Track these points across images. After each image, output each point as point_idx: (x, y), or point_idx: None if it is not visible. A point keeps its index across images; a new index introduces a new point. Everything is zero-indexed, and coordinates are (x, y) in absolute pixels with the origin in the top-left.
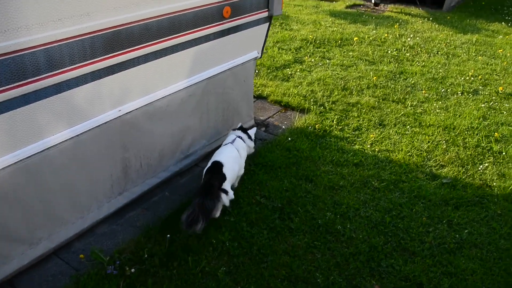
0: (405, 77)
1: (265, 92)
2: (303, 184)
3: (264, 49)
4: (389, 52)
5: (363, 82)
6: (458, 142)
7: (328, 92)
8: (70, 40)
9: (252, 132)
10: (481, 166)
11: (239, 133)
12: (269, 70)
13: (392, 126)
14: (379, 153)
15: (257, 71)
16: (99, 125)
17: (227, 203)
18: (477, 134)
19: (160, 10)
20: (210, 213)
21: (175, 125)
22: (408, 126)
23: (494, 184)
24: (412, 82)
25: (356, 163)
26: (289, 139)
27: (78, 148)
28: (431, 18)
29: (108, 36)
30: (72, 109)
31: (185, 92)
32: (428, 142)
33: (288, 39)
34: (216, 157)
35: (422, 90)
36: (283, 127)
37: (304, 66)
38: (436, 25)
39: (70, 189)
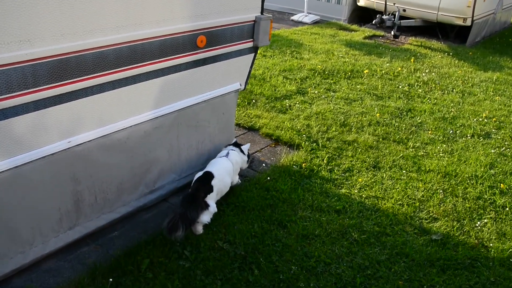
0: (412, 115)
1: (258, 124)
2: (274, 230)
3: (268, 78)
4: (400, 87)
5: (365, 119)
6: (458, 192)
7: (325, 127)
8: (7, 67)
9: (245, 147)
10: (479, 222)
11: (233, 147)
12: (268, 100)
13: (387, 169)
14: (367, 200)
15: (254, 101)
16: (43, 157)
17: (205, 219)
18: (480, 184)
19: (119, 38)
20: (192, 223)
21: (137, 158)
22: (404, 171)
23: (491, 244)
24: (419, 121)
25: (338, 210)
26: (269, 178)
27: (17, 180)
28: (451, 53)
29: (54, 64)
30: (10, 139)
31: (150, 124)
32: (424, 190)
33: (296, 68)
34: (209, 167)
35: (428, 130)
36: (269, 163)
37: (306, 98)
38: (456, 61)
39: (8, 222)
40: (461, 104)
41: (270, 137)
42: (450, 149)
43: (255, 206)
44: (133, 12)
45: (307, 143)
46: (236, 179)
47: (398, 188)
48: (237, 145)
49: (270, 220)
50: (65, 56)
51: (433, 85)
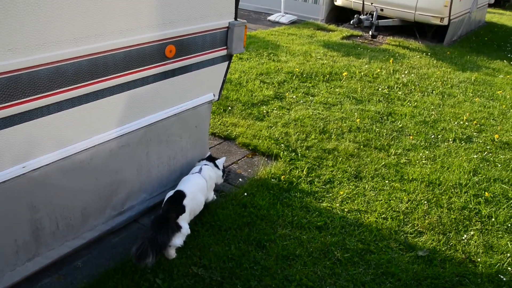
0: (393, 119)
1: (234, 133)
2: (253, 251)
3: (245, 82)
4: (379, 89)
5: (345, 124)
6: (442, 202)
7: (304, 135)
8: None
9: (220, 162)
10: (465, 235)
11: (206, 162)
12: (244, 107)
13: (369, 179)
14: (349, 214)
15: (230, 107)
16: None
17: (177, 242)
18: (465, 193)
19: (77, 51)
20: (163, 248)
21: (102, 180)
22: (387, 180)
23: (479, 259)
24: (400, 125)
25: (320, 226)
26: (246, 193)
27: None
28: (429, 53)
29: (2, 82)
30: None
31: (115, 142)
32: (408, 201)
33: (274, 71)
34: (180, 185)
35: (409, 135)
36: (246, 176)
37: (284, 103)
38: (434, 61)
39: None
40: (441, 106)
41: (247, 147)
42: (432, 155)
43: (232, 225)
44: (93, 22)
45: (285, 152)
46: (212, 196)
47: (381, 200)
48: (212, 159)
49: (248, 240)
50: (15, 73)
51: (413, 87)
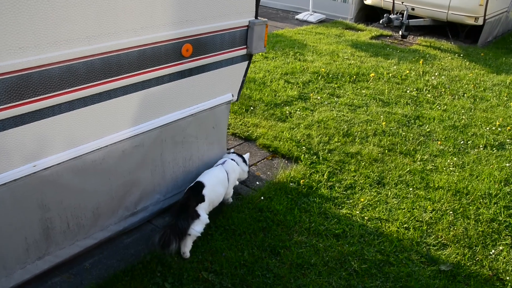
0: (420, 123)
1: (255, 134)
2: (266, 258)
3: (269, 82)
4: (408, 91)
5: (370, 128)
6: (469, 213)
7: (327, 137)
8: None
9: (246, 156)
10: (493, 250)
11: (233, 156)
12: (267, 107)
13: (393, 186)
14: (369, 222)
15: (252, 107)
16: (4, 183)
17: (197, 229)
18: (495, 204)
19: (89, 50)
20: (184, 233)
21: (115, 180)
22: (411, 188)
23: (508, 277)
24: (428, 129)
25: (338, 234)
26: (262, 198)
27: None
28: (462, 54)
29: (12, 81)
30: None
31: (129, 142)
32: (432, 211)
33: (299, 71)
34: (201, 177)
35: (437, 140)
36: (264, 179)
37: (308, 104)
38: (467, 62)
39: None
40: (472, 110)
41: (268, 149)
42: (461, 162)
43: (246, 230)
44: (105, 20)
45: (306, 155)
46: (231, 192)
47: (404, 208)
48: (236, 153)
49: (262, 246)
50: (26, 72)
51: (443, 90)
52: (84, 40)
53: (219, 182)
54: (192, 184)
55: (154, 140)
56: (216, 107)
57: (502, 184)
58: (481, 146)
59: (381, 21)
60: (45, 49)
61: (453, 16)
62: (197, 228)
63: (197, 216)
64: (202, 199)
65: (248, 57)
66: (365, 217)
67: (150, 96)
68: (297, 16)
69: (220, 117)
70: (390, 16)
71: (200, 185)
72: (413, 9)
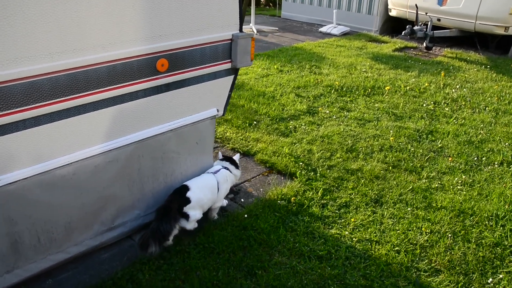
0: (433, 138)
1: (254, 149)
2: (241, 278)
3: (279, 96)
4: (424, 105)
5: (376, 143)
6: (471, 236)
7: (329, 153)
8: None
9: (236, 157)
10: (491, 278)
11: (226, 163)
12: (271, 122)
13: (391, 205)
14: (358, 244)
15: (256, 122)
16: None
17: (188, 226)
18: (501, 227)
19: (53, 66)
20: (165, 237)
21: (87, 196)
22: (411, 207)
23: None
24: (440, 145)
25: (322, 256)
26: (246, 215)
27: None
28: (489, 66)
29: None
30: None
31: (101, 158)
32: (430, 233)
33: (312, 84)
34: (188, 181)
35: (449, 156)
36: (255, 195)
37: (316, 118)
38: (494, 74)
39: None
40: (492, 124)
41: (265, 164)
42: (471, 180)
43: (226, 248)
44: (69, 37)
45: (303, 172)
46: (220, 203)
47: (399, 229)
48: (228, 158)
49: (240, 266)
50: None
51: (463, 103)
52: (46, 56)
53: (206, 187)
54: (177, 187)
55: (130, 155)
56: (199, 122)
57: None
58: (496, 163)
59: (403, 32)
60: (6, 65)
61: (481, 27)
62: (188, 226)
63: (185, 216)
64: (186, 201)
65: (234, 71)
66: (355, 238)
67: (123, 112)
68: (320, 29)
69: (204, 133)
70: (413, 27)
71: (185, 188)
72: (439, 19)
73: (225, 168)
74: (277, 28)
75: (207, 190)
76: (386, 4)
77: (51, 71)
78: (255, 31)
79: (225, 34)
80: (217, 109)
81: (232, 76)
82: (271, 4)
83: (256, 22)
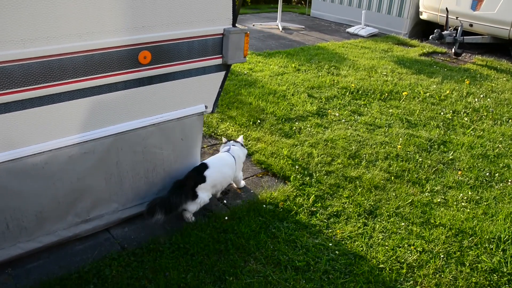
0: (445, 149)
1: (253, 149)
2: (210, 284)
3: (290, 95)
4: (442, 113)
5: (383, 150)
6: (467, 259)
7: (330, 158)
8: None
9: (240, 139)
10: None
11: (233, 142)
12: (277, 121)
13: (385, 218)
14: (341, 257)
15: (261, 120)
16: None
17: (191, 208)
18: (502, 251)
19: (24, 53)
20: (173, 209)
21: (61, 186)
22: (406, 222)
23: None
24: (451, 157)
25: (299, 267)
26: (231, 217)
27: None
28: None
29: None
30: None
31: (77, 148)
32: (421, 252)
33: (327, 85)
34: (206, 160)
35: (459, 170)
36: (245, 198)
37: (324, 120)
38: None
39: None
40: None
41: (261, 165)
42: (478, 197)
43: (201, 250)
44: (42, 24)
45: (299, 176)
46: (241, 175)
47: (388, 245)
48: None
49: (211, 270)
50: None
51: (485, 113)
52: (18, 43)
53: (225, 165)
54: (197, 165)
55: (108, 148)
56: (185, 118)
57: None
58: (510, 180)
59: (431, 37)
60: None
61: None
62: (192, 207)
63: (194, 196)
64: (202, 179)
65: (225, 67)
66: (338, 251)
67: (101, 103)
68: (348, 29)
69: (190, 129)
70: (442, 32)
71: (204, 166)
72: (471, 25)
73: (233, 145)
74: (303, 27)
75: (227, 168)
76: (418, 7)
77: (23, 57)
78: (281, 28)
79: (216, 28)
80: (206, 106)
81: (223, 72)
82: (303, 2)
83: (285, 19)
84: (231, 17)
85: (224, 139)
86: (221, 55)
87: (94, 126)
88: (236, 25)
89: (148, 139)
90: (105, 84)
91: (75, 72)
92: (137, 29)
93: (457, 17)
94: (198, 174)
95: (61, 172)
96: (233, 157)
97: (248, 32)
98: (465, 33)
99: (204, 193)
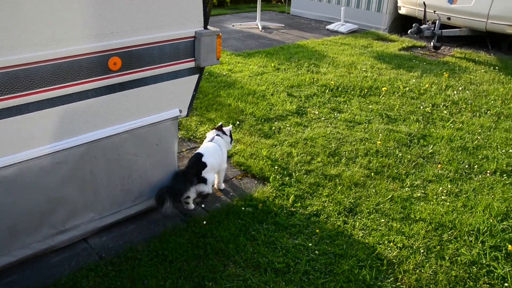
0: (425, 142)
1: (232, 150)
2: None
3: (269, 95)
4: (421, 107)
5: (362, 147)
6: (446, 252)
7: (309, 157)
8: None
9: (227, 129)
10: None
11: (216, 132)
12: (256, 122)
13: (366, 215)
14: (321, 257)
15: (239, 122)
16: None
17: (207, 190)
18: (481, 243)
19: None
20: (179, 195)
21: (34, 197)
22: (385, 218)
23: None
24: (431, 150)
25: (279, 269)
26: (205, 222)
27: None
28: (498, 67)
29: None
30: None
31: (48, 159)
32: (401, 247)
33: (307, 83)
34: (199, 149)
35: (438, 163)
36: (224, 201)
37: (304, 119)
38: (502, 76)
39: None
40: (492, 130)
41: (240, 167)
42: (457, 190)
43: (180, 256)
44: (4, 34)
45: (278, 176)
46: (225, 165)
47: (368, 242)
48: (219, 128)
49: (190, 277)
50: None
51: (464, 106)
52: None
53: (215, 152)
54: (193, 155)
55: (81, 157)
56: (160, 123)
57: (499, 219)
58: (489, 171)
59: (409, 31)
60: None
61: (493, 26)
62: (207, 189)
63: (204, 180)
64: (203, 165)
65: (198, 70)
66: (318, 251)
67: (72, 112)
68: (327, 27)
69: (165, 134)
70: (421, 26)
71: (199, 155)
72: (449, 18)
73: (217, 135)
74: (283, 25)
75: (216, 155)
76: (396, 2)
77: None
78: (261, 28)
79: (187, 32)
80: (180, 110)
81: (196, 76)
82: (282, 0)
83: (264, 18)
84: (202, 20)
85: (212, 130)
86: (193, 58)
87: (66, 136)
88: (208, 27)
89: (122, 146)
90: (75, 93)
91: (43, 81)
92: (105, 35)
93: (434, 11)
94: (197, 161)
95: (33, 184)
96: (218, 146)
97: (221, 34)
98: (443, 26)
99: (210, 175)
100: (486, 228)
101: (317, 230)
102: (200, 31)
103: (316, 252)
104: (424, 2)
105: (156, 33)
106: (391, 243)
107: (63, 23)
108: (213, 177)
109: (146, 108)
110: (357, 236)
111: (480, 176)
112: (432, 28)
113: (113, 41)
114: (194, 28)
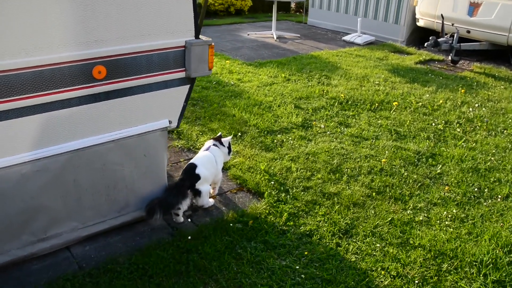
0: (434, 162)
1: (231, 163)
2: None
3: (276, 106)
4: (433, 124)
5: (366, 164)
6: (443, 285)
7: (309, 173)
8: None
9: (225, 140)
10: None
11: (213, 142)
12: (259, 134)
13: (361, 238)
14: (308, 282)
15: (242, 133)
16: None
17: (205, 202)
18: (483, 276)
19: None
20: (171, 208)
21: (12, 205)
22: (382, 243)
23: None
24: (439, 171)
25: None
26: (190, 237)
27: None
28: None
29: None
30: None
31: (29, 167)
32: (395, 276)
33: (316, 96)
34: (192, 160)
35: (446, 185)
36: (215, 215)
37: (308, 133)
38: None
39: None
40: (507, 151)
41: (237, 181)
42: (463, 215)
43: (161, 272)
44: None
45: (274, 192)
46: (220, 175)
47: (360, 269)
48: (218, 139)
49: None
50: None
51: (479, 124)
52: None
53: (208, 162)
54: (186, 166)
55: (63, 165)
56: (148, 133)
57: (506, 250)
58: (500, 196)
59: (426, 44)
60: None
61: None
62: (205, 201)
63: (198, 192)
64: (197, 177)
65: (189, 80)
66: (304, 275)
67: (54, 120)
68: (344, 38)
69: (153, 145)
70: (438, 39)
71: (193, 166)
72: (468, 31)
73: (214, 145)
74: (299, 35)
75: (210, 165)
76: (414, 14)
77: None
78: (276, 37)
79: (177, 41)
80: (170, 121)
81: (187, 86)
82: (301, 10)
83: (280, 28)
84: (193, 29)
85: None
86: (184, 68)
87: (47, 143)
88: (201, 36)
89: (107, 156)
90: (57, 100)
91: (23, 88)
92: (89, 44)
93: (452, 24)
94: (190, 174)
95: (12, 191)
96: (213, 156)
97: (213, 44)
98: (462, 39)
99: (205, 186)
100: (490, 259)
101: (306, 252)
102: (190, 41)
103: (303, 276)
104: (442, 15)
105: (143, 42)
106: (384, 271)
107: (44, 30)
108: (208, 188)
109: (133, 118)
110: (349, 260)
111: (490, 201)
112: (450, 42)
113: (98, 49)
114: (184, 37)
